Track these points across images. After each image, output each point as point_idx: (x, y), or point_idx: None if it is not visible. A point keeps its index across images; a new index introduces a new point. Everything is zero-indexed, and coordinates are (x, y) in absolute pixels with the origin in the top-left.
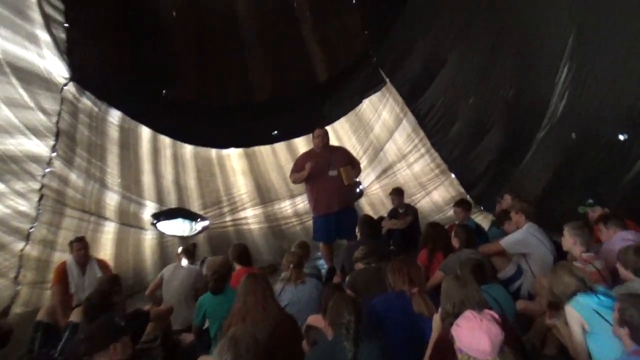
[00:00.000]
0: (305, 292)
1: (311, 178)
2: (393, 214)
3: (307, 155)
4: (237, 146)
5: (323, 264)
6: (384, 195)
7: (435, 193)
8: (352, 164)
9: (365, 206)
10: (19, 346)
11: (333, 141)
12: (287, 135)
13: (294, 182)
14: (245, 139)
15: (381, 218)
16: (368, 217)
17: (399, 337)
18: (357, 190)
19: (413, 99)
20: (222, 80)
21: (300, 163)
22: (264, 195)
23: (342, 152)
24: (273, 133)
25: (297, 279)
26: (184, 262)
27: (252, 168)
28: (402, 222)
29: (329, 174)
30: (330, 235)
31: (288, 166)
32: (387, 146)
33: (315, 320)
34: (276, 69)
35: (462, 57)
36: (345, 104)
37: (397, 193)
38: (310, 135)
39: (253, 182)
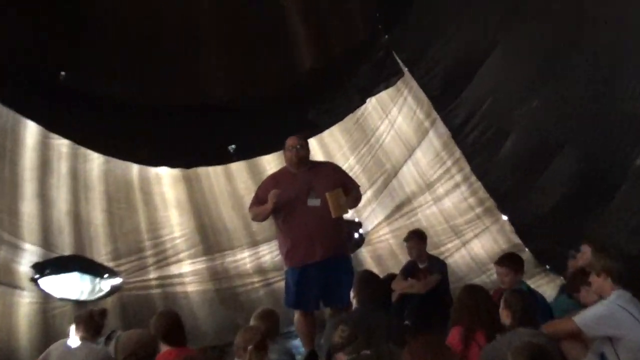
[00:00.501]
0: None
1: (282, 211)
2: (410, 270)
3: (274, 178)
4: (172, 165)
5: (299, 346)
6: (397, 243)
7: (475, 243)
8: (346, 188)
9: (368, 259)
10: None
11: (317, 157)
12: (250, 151)
13: (255, 218)
14: (186, 155)
15: (391, 277)
16: (369, 274)
17: None
18: (356, 234)
19: (444, 101)
20: (160, 73)
21: (264, 190)
22: (209, 240)
23: (329, 170)
24: (229, 148)
25: None
26: (81, 338)
27: (193, 198)
28: (423, 284)
29: (309, 203)
30: (311, 299)
31: (249, 197)
32: (404, 170)
33: None
34: (239, 58)
35: (520, 43)
36: (339, 106)
37: (417, 239)
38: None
39: (194, 220)
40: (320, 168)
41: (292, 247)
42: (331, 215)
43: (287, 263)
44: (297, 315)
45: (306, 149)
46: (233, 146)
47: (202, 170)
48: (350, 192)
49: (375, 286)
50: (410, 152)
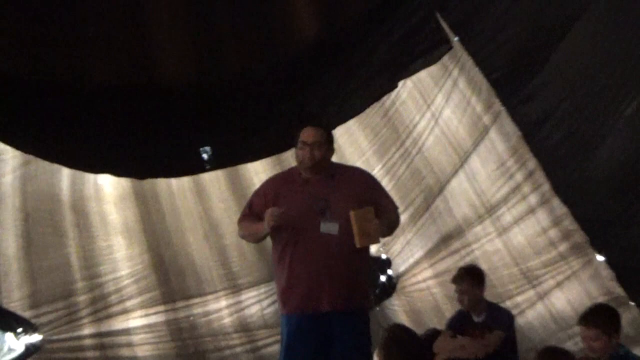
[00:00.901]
0: None
1: (283, 235)
2: (461, 325)
3: (279, 182)
4: (118, 172)
5: None
6: (444, 293)
7: (557, 295)
8: (378, 207)
9: (400, 314)
10: None
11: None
12: (229, 156)
13: (244, 237)
14: (139, 160)
15: (434, 334)
16: (402, 331)
17: None
18: (382, 276)
19: (513, 86)
20: (94, 41)
21: (262, 198)
22: (170, 283)
23: (356, 179)
24: (201, 151)
25: None
26: None
27: (147, 223)
28: (479, 345)
29: (322, 229)
30: (311, 354)
31: (229, 221)
32: (454, 187)
33: None
34: (211, 22)
35: (622, 9)
36: (358, 93)
37: (472, 280)
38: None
39: (149, 254)
40: (345, 176)
41: (290, 286)
42: (352, 245)
43: (281, 308)
44: None
45: (325, 147)
46: (206, 149)
47: (161, 183)
48: (384, 214)
49: (411, 348)
50: (463, 159)
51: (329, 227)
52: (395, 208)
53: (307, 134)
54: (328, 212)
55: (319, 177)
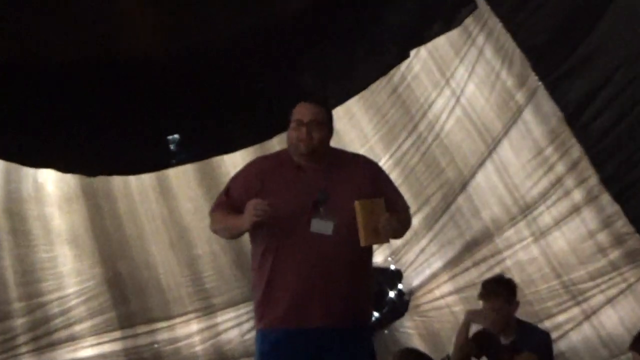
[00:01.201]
0: None
1: (267, 234)
2: (486, 346)
3: (262, 166)
4: (63, 167)
5: None
6: (467, 307)
7: (609, 313)
8: (388, 205)
9: (414, 338)
10: None
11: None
12: (201, 146)
13: (217, 231)
14: (89, 152)
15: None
16: (414, 356)
17: None
18: (391, 292)
19: (553, 57)
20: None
21: (242, 185)
22: (129, 304)
23: (359, 170)
24: (168, 140)
25: None
26: None
27: (100, 229)
28: None
29: (313, 227)
30: None
31: (200, 227)
32: (480, 181)
33: None
34: None
35: None
36: (360, 65)
37: (505, 295)
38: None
39: (102, 268)
40: (347, 165)
41: (269, 294)
42: (351, 248)
43: (257, 322)
44: None
45: (325, 128)
46: (174, 138)
47: (116, 182)
48: (393, 213)
49: None
50: (491, 147)
51: (321, 226)
52: (407, 207)
53: (303, 111)
54: (323, 208)
55: (314, 164)
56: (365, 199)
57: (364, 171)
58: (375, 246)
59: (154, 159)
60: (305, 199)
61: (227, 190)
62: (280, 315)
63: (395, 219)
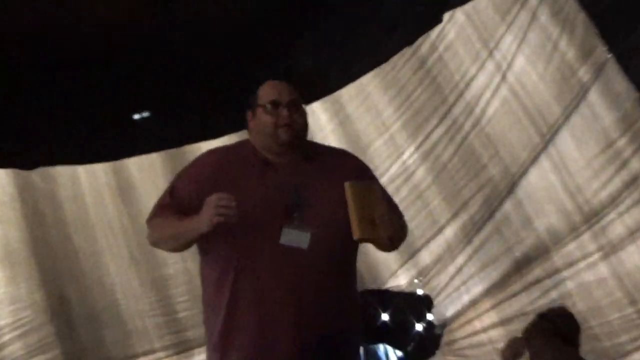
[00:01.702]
0: None
1: (225, 245)
2: None
3: (219, 161)
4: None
5: None
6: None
7: None
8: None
9: None
10: None
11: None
12: (178, 133)
13: (159, 241)
14: (30, 142)
15: None
16: None
17: None
18: (419, 325)
19: (624, 25)
20: None
21: (189, 186)
22: (79, 337)
23: (343, 166)
24: (134, 123)
25: None
26: None
27: (41, 239)
28: None
29: (283, 238)
30: None
31: None
32: (533, 179)
33: None
34: None
35: None
36: (378, 35)
37: (551, 333)
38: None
39: (44, 291)
40: (326, 161)
41: (230, 329)
42: (333, 264)
43: (215, 353)
44: None
45: (304, 113)
46: (142, 116)
47: (62, 179)
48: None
49: None
50: (547, 138)
51: (295, 237)
52: (401, 214)
53: (278, 91)
54: (297, 214)
55: (286, 159)
56: (359, 181)
57: (349, 168)
58: (396, 265)
59: (114, 145)
60: (274, 203)
61: (172, 190)
62: (244, 356)
63: (394, 214)
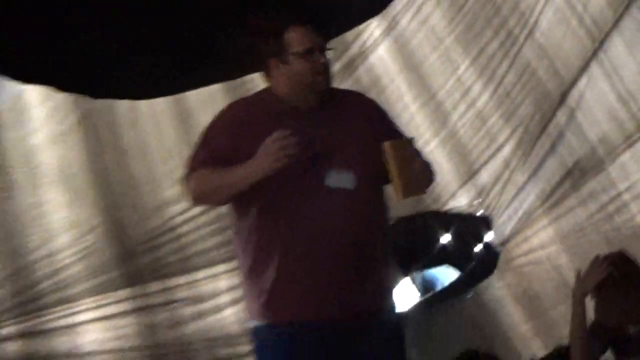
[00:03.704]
0: None
1: (265, 194)
2: (607, 339)
3: (243, 114)
4: (59, 85)
5: None
6: (573, 258)
7: None
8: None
9: (508, 301)
10: None
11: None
12: (238, 64)
13: (202, 197)
14: (99, 71)
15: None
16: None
17: None
18: (478, 245)
19: None
20: None
21: (226, 140)
22: (137, 257)
23: (362, 108)
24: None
25: None
26: None
27: (100, 163)
28: None
29: (329, 180)
30: None
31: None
32: (583, 87)
33: None
34: None
35: None
36: None
37: (620, 284)
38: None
39: (104, 216)
40: (345, 105)
41: (283, 281)
42: (373, 206)
43: (264, 315)
44: None
45: (328, 64)
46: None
47: (122, 105)
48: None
49: None
50: (597, 44)
51: (340, 179)
52: (429, 163)
53: (309, 36)
54: (336, 157)
55: (316, 104)
56: (397, 140)
57: (368, 110)
58: (455, 187)
59: (177, 77)
60: (310, 150)
61: (206, 145)
62: (298, 306)
63: (427, 168)
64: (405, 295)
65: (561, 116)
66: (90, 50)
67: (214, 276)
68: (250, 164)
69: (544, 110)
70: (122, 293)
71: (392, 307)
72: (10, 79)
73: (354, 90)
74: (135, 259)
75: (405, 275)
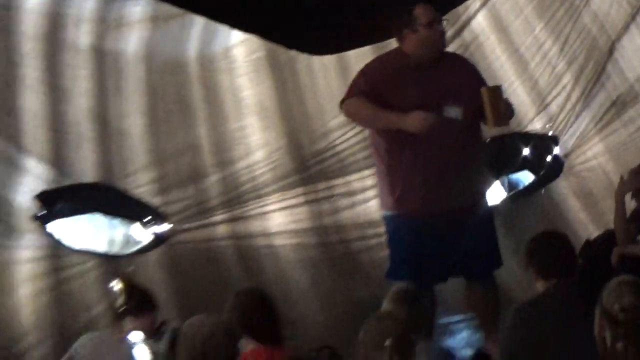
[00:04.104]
0: None
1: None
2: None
3: (393, 64)
4: (268, 36)
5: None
6: (617, 166)
7: None
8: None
9: (570, 198)
10: None
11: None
12: (341, 43)
13: (354, 116)
14: (288, 20)
15: (607, 238)
16: (553, 234)
17: None
18: (548, 156)
19: None
20: None
21: (377, 81)
22: (309, 168)
23: (463, 67)
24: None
25: None
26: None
27: (284, 100)
28: None
29: (446, 112)
30: (433, 264)
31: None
32: (624, 43)
33: None
34: None
35: None
36: None
37: None
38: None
39: (286, 138)
40: (453, 63)
41: (414, 182)
42: (474, 133)
43: (393, 207)
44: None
45: (444, 32)
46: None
47: (300, 57)
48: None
49: (569, 254)
50: (631, 18)
51: (453, 112)
52: (510, 101)
53: (431, 12)
54: (449, 97)
55: (431, 61)
56: (490, 86)
57: (467, 68)
58: (532, 115)
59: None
60: (435, 92)
61: (364, 79)
62: (413, 203)
63: (510, 104)
64: (495, 193)
65: (608, 63)
66: (295, 9)
67: (362, 178)
68: (397, 115)
69: (596, 58)
70: (298, 190)
71: (486, 202)
72: (228, 26)
73: (458, 54)
74: (308, 167)
75: (496, 178)
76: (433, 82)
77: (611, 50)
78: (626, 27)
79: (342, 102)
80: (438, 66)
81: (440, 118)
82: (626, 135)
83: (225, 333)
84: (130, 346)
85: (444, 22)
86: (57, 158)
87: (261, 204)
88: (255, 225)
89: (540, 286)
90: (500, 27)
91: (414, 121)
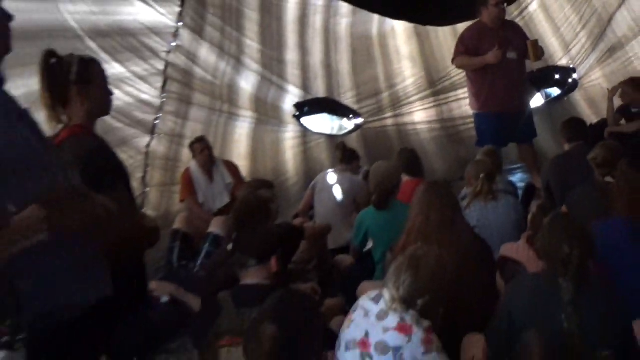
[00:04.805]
0: (498, 212)
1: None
2: (624, 114)
3: (478, 31)
4: (411, 19)
5: (521, 179)
6: (609, 84)
7: None
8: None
9: (581, 103)
10: (153, 254)
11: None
12: (437, 20)
13: (463, 66)
14: (427, 12)
15: (602, 123)
16: (574, 118)
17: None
18: (569, 79)
19: None
20: None
21: (473, 41)
22: (436, 88)
23: (516, 27)
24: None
25: (487, 194)
26: (341, 170)
27: (424, 53)
28: (637, 125)
29: (509, 55)
30: (501, 137)
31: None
32: (618, 17)
33: (512, 250)
34: None
35: None
36: None
37: (633, 85)
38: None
39: (424, 71)
40: (510, 25)
41: (490, 96)
42: (523, 65)
43: (480, 107)
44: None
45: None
46: None
47: (432, 28)
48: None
49: (578, 126)
50: None
51: (512, 54)
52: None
53: None
54: (510, 45)
55: (499, 26)
56: (532, 39)
57: (519, 28)
58: (560, 56)
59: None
60: (502, 43)
61: (461, 42)
62: (494, 106)
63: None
64: (536, 100)
65: (607, 27)
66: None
67: (465, 92)
68: (483, 58)
69: (603, 22)
70: (431, 99)
71: (531, 106)
72: (380, 14)
73: (514, 21)
74: (436, 86)
75: (537, 92)
76: (500, 38)
77: (609, 20)
78: (619, 6)
79: (453, 60)
80: (502, 29)
81: (505, 57)
82: (615, 67)
83: (394, 170)
84: (346, 176)
85: (506, 4)
86: (305, 87)
87: (411, 107)
88: (407, 119)
89: (566, 147)
90: (544, 7)
91: (492, 57)
